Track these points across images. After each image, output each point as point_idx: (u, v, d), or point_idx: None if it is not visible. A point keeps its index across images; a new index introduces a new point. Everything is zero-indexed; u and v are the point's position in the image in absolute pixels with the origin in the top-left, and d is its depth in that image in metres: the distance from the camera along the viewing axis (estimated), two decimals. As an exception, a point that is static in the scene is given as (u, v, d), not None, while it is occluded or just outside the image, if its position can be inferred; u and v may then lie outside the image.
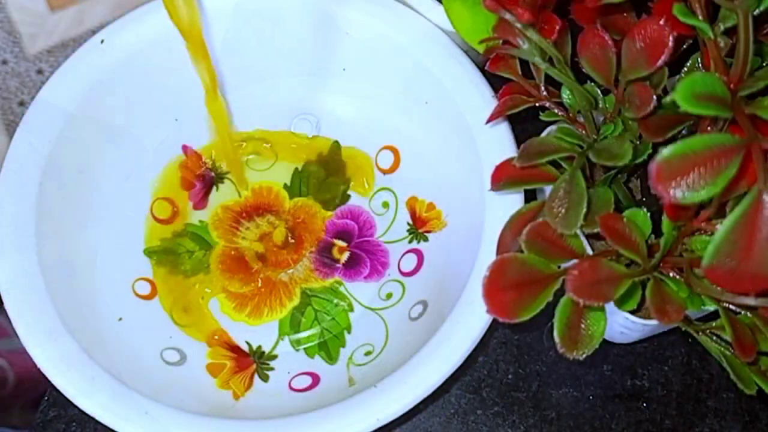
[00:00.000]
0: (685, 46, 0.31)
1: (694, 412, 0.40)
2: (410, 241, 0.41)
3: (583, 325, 0.29)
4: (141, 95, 0.41)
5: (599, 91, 0.32)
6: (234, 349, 0.40)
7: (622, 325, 0.34)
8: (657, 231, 0.30)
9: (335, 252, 0.42)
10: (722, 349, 0.31)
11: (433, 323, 0.35)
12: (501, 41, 0.33)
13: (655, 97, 0.28)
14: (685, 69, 0.31)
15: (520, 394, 0.40)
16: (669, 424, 0.40)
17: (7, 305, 0.35)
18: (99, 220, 0.40)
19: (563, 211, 0.28)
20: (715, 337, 0.31)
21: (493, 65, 0.34)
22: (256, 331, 0.40)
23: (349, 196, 0.43)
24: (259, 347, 0.40)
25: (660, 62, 0.27)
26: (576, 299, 0.26)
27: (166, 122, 0.43)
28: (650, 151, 0.31)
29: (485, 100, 0.38)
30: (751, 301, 0.27)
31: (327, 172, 0.43)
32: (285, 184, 0.43)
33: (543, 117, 0.34)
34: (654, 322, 0.32)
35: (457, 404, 0.40)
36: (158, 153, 0.43)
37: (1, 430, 0.57)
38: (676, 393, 0.40)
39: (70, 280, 0.37)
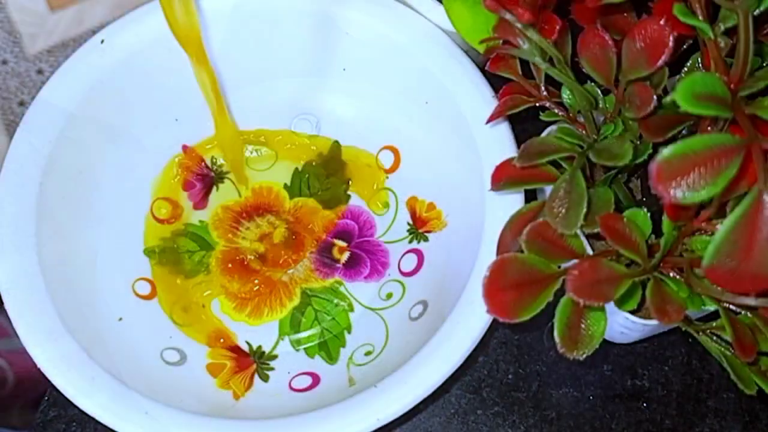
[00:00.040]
0: (685, 46, 0.31)
1: (694, 412, 0.40)
2: (410, 241, 0.41)
3: (583, 325, 0.29)
4: (141, 95, 0.41)
5: (599, 91, 0.32)
6: (234, 349, 0.40)
7: (622, 325, 0.34)
8: (657, 231, 0.30)
9: (335, 252, 0.42)
10: (722, 349, 0.31)
11: (433, 323, 0.35)
12: (501, 41, 0.33)
13: (655, 97, 0.28)
14: (686, 69, 0.31)
15: (521, 394, 0.40)
16: (669, 424, 0.40)
17: (7, 305, 0.35)
18: (99, 220, 0.40)
19: (563, 211, 0.28)
20: (715, 337, 0.31)
21: (493, 65, 0.34)
22: (256, 331, 0.40)
23: (349, 196, 0.43)
24: (259, 347, 0.40)
25: (660, 62, 0.27)
26: (576, 299, 0.26)
27: (166, 122, 0.43)
28: (650, 151, 0.31)
29: (485, 100, 0.38)
30: (751, 301, 0.27)
31: (327, 172, 0.43)
32: (285, 184, 0.43)
33: (543, 117, 0.34)
34: (654, 322, 0.32)
35: (458, 404, 0.40)
36: (158, 153, 0.43)
37: (0, 431, 0.57)
38: (676, 393, 0.40)
39: (70, 280, 0.37)
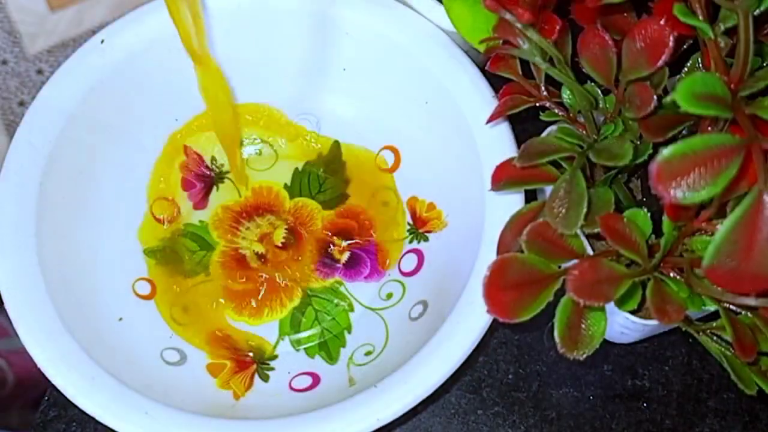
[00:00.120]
0: (685, 46, 0.31)
1: (694, 412, 0.40)
2: (410, 241, 0.41)
3: (583, 325, 0.29)
4: (141, 95, 0.41)
5: (599, 91, 0.32)
6: (234, 349, 0.40)
7: (622, 325, 0.34)
8: (657, 231, 0.30)
9: (335, 252, 0.42)
10: (723, 349, 0.31)
11: (433, 323, 0.35)
12: (501, 41, 0.33)
13: (655, 97, 0.28)
14: (686, 69, 0.31)
15: (521, 394, 0.40)
16: (669, 424, 0.40)
17: (7, 305, 0.35)
18: (99, 220, 0.40)
19: (563, 211, 0.28)
20: (715, 338, 0.31)
21: (493, 65, 0.34)
22: (257, 331, 0.40)
23: (349, 195, 0.43)
24: (260, 347, 0.40)
25: (660, 62, 0.27)
26: (576, 299, 0.26)
27: (166, 122, 0.43)
28: (650, 151, 0.31)
29: (485, 100, 0.38)
30: (751, 301, 0.27)
31: (327, 172, 0.43)
32: (285, 184, 0.43)
33: (543, 117, 0.34)
34: (654, 322, 0.32)
35: (458, 404, 0.40)
36: (158, 153, 0.43)
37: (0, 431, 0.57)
38: (676, 393, 0.40)
39: (70, 280, 0.37)
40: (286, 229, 0.42)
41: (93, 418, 0.33)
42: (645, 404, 0.40)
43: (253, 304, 0.41)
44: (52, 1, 0.55)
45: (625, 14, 0.32)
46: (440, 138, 0.40)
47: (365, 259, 0.42)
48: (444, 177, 0.40)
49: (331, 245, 0.42)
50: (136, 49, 0.40)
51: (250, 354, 0.39)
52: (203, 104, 0.40)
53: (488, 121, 0.35)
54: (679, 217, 0.28)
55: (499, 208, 0.35)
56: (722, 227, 0.21)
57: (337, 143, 0.44)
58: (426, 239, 0.41)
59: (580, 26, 0.31)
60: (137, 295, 0.40)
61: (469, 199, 0.37)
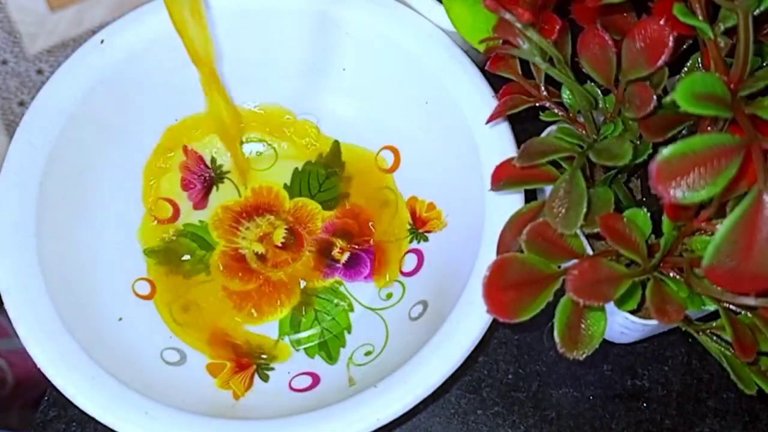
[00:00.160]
0: (685, 46, 0.31)
1: (694, 412, 0.40)
2: (410, 241, 0.41)
3: (583, 325, 0.29)
4: (141, 95, 0.41)
5: (599, 91, 0.32)
6: (234, 349, 0.40)
7: (622, 325, 0.34)
8: (657, 231, 0.30)
9: (335, 252, 0.42)
10: (722, 349, 0.31)
11: (433, 323, 0.35)
12: (501, 41, 0.33)
13: (655, 97, 0.28)
14: (685, 69, 0.31)
15: (520, 394, 0.40)
16: (669, 424, 0.40)
17: (7, 305, 0.35)
18: (99, 220, 0.40)
19: (563, 211, 0.28)
20: (715, 337, 0.31)
21: (493, 65, 0.34)
22: (257, 331, 0.40)
23: (349, 195, 0.43)
24: (259, 347, 0.40)
25: (660, 62, 0.27)
26: (576, 299, 0.26)
27: (166, 122, 0.43)
28: (650, 151, 0.31)
29: (485, 100, 0.38)
30: (751, 301, 0.27)
31: (327, 172, 0.43)
32: (285, 184, 0.43)
33: (543, 117, 0.34)
34: (654, 322, 0.32)
35: (457, 404, 0.40)
36: (158, 153, 0.43)
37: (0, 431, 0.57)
38: (676, 393, 0.40)
39: (70, 280, 0.37)
40: (286, 229, 0.42)
41: (93, 418, 0.33)
42: (645, 404, 0.40)
43: (253, 304, 0.41)
44: (52, 1, 0.55)
45: (625, 14, 0.32)
46: (440, 138, 0.40)
47: (365, 259, 0.42)
48: (444, 177, 0.40)
49: (331, 245, 0.42)
50: (136, 49, 0.40)
51: (250, 354, 0.39)
52: (203, 104, 0.40)
53: (488, 121, 0.35)
54: (678, 216, 0.28)
55: (498, 208, 0.35)
56: (722, 227, 0.21)
57: (337, 143, 0.44)
58: (426, 239, 0.41)
59: (580, 26, 0.31)
60: (137, 295, 0.40)
61: (469, 199, 0.37)
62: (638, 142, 0.31)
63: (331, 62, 0.42)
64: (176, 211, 0.42)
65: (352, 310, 0.41)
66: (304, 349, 0.40)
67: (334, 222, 0.43)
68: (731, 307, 0.29)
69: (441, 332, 0.34)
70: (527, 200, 0.35)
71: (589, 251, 0.32)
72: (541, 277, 0.28)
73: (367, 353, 0.38)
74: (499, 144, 0.37)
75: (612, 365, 0.41)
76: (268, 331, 0.40)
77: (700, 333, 0.31)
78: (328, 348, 0.40)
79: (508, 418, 0.40)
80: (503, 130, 0.37)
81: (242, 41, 0.42)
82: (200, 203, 0.43)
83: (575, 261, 0.28)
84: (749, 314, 0.29)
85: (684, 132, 0.30)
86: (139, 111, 0.41)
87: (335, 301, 0.41)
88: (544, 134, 0.35)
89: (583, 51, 0.30)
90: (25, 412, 0.59)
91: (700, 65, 0.31)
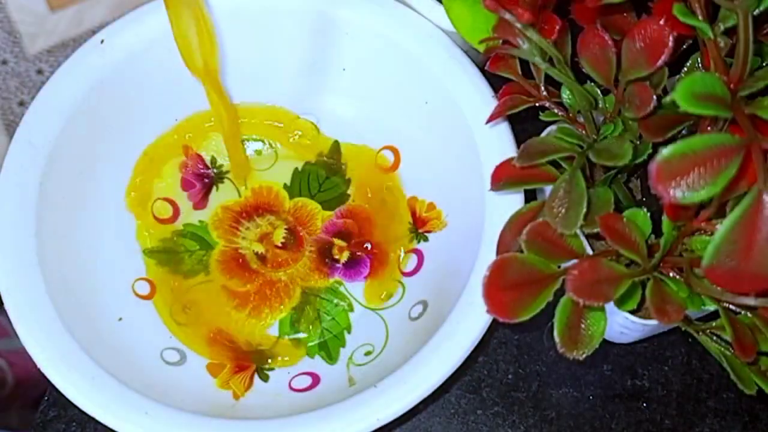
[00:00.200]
0: (685, 46, 0.31)
1: (694, 412, 0.40)
2: (410, 241, 0.41)
3: (583, 325, 0.29)
4: (141, 95, 0.41)
5: (599, 91, 0.32)
6: (234, 349, 0.40)
7: (622, 325, 0.34)
8: (657, 231, 0.30)
9: (335, 252, 0.42)
10: (722, 349, 0.31)
11: (433, 323, 0.35)
12: (501, 41, 0.33)
13: (655, 97, 0.28)
14: (685, 69, 0.31)
15: (520, 394, 0.40)
16: (669, 424, 0.40)
17: (7, 305, 0.35)
18: (99, 220, 0.40)
19: (563, 211, 0.28)
20: (715, 337, 0.31)
21: (493, 65, 0.34)
22: (256, 331, 0.40)
23: (349, 195, 0.43)
24: (260, 347, 0.40)
25: (660, 62, 0.27)
26: (576, 299, 0.26)
27: (166, 122, 0.43)
28: (650, 151, 0.31)
29: (485, 100, 0.38)
30: (751, 301, 0.27)
31: (327, 172, 0.43)
32: (285, 184, 0.43)
33: (543, 117, 0.34)
34: (654, 322, 0.32)
35: (457, 404, 0.40)
36: (158, 153, 0.43)
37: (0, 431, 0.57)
38: (676, 393, 0.40)
39: (70, 280, 0.37)
40: (285, 229, 0.42)
41: (93, 418, 0.33)
42: (645, 404, 0.40)
43: (253, 304, 0.41)
44: (52, 1, 0.55)
45: (625, 14, 0.32)
46: (440, 138, 0.40)
47: (365, 259, 0.42)
48: (444, 177, 0.40)
49: (330, 245, 0.42)
50: (136, 49, 0.40)
51: (250, 354, 0.39)
52: (203, 104, 0.40)
53: (488, 121, 0.35)
54: (678, 216, 0.28)
55: (498, 208, 0.35)
56: (722, 227, 0.21)
57: (337, 143, 0.44)
58: (426, 239, 0.41)
59: (580, 26, 0.31)
60: (137, 295, 0.40)
61: (469, 199, 0.37)
62: (638, 142, 0.31)
63: (331, 62, 0.42)
64: (176, 211, 0.42)
65: (352, 310, 0.41)
66: (304, 349, 0.40)
67: (334, 222, 0.43)
68: (731, 307, 0.29)
69: (441, 332, 0.34)
70: (527, 200, 0.35)
71: (589, 251, 0.32)
72: (541, 277, 0.28)
73: (367, 353, 0.38)
74: (499, 144, 0.37)
75: (612, 365, 0.41)
76: (268, 331, 0.40)
77: (700, 333, 0.31)
78: (328, 348, 0.40)
79: (508, 418, 0.40)
80: (503, 130, 0.37)
81: (242, 41, 0.42)
82: (200, 203, 0.43)
83: (575, 261, 0.28)
84: (749, 314, 0.29)
85: (684, 132, 0.30)
86: (139, 111, 0.41)
87: (335, 301, 0.41)
88: (543, 134, 0.35)
89: (583, 51, 0.30)
90: (25, 412, 0.59)
91: (700, 65, 0.31)
